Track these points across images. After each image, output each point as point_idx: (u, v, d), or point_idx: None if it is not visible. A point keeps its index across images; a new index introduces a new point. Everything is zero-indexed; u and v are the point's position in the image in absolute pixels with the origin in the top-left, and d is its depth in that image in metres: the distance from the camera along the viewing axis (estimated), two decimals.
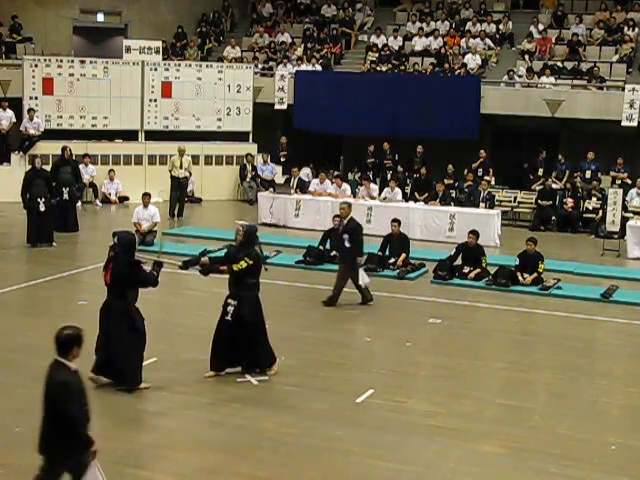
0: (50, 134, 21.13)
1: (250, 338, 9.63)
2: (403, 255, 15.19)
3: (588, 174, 20.54)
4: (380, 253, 15.26)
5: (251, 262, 9.55)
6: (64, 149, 18.45)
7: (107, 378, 9.30)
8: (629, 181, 20.12)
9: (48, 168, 18.11)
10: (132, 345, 9.17)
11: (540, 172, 21.11)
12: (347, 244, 12.77)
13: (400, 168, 21.99)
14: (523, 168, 21.83)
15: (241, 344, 9.61)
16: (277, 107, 23.60)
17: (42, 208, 16.27)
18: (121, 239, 9.31)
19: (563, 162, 20.97)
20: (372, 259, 15.11)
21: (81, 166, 20.92)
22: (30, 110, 20.90)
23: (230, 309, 9.58)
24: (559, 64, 23.34)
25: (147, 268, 9.40)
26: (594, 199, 19.67)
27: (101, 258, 15.01)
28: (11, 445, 7.90)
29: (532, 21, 24.93)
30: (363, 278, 12.79)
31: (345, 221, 12.97)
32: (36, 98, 21.24)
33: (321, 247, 15.67)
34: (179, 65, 22.75)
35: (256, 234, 10.01)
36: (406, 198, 19.87)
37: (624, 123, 20.52)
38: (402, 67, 24.17)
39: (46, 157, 19.80)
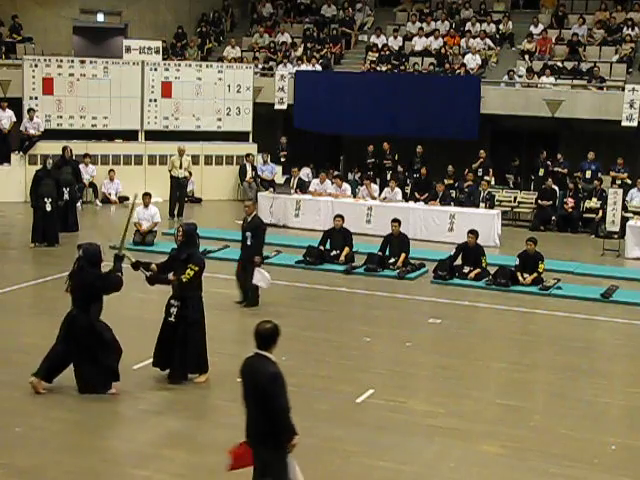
0: (50, 134, 21.13)
1: (188, 336, 9.43)
2: (403, 255, 15.19)
3: (588, 174, 20.54)
4: (380, 253, 15.27)
5: (197, 269, 9.47)
6: (64, 149, 18.50)
7: (49, 383, 9.16)
8: (629, 181, 20.11)
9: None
10: (103, 356, 9.05)
11: (541, 172, 21.12)
12: (249, 242, 12.51)
13: (400, 168, 22.00)
14: (515, 166, 21.83)
15: (179, 343, 9.44)
16: (277, 107, 23.60)
17: (48, 208, 16.27)
18: (86, 251, 9.24)
19: (562, 161, 20.98)
20: (372, 259, 15.15)
21: (81, 166, 20.93)
22: (30, 110, 20.90)
23: (173, 310, 9.47)
24: (559, 64, 23.33)
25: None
26: (594, 199, 19.68)
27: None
28: (11, 445, 7.90)
29: (532, 21, 24.93)
30: (260, 278, 12.37)
31: (249, 218, 12.68)
32: (36, 98, 21.24)
33: (321, 247, 15.67)
34: (179, 65, 22.76)
35: (196, 232, 9.90)
36: (406, 198, 19.87)
37: (624, 123, 20.52)
38: (402, 67, 24.16)
39: (46, 157, 19.81)
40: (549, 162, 21.02)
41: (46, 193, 16.36)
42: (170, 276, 9.49)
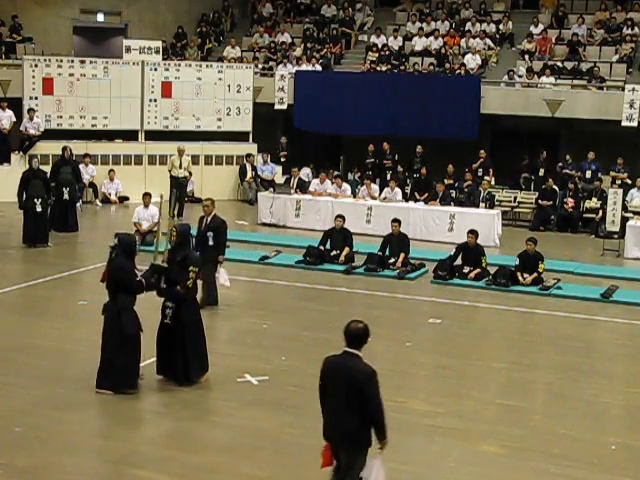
0: (50, 134, 21.12)
1: (186, 338, 9.38)
2: (403, 255, 15.19)
3: (588, 174, 20.54)
4: (380, 253, 15.26)
5: (197, 270, 9.45)
6: (64, 149, 18.50)
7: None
8: (629, 181, 20.11)
9: (48, 168, 18.15)
10: (122, 351, 9.06)
11: (541, 172, 21.11)
12: (211, 242, 12.32)
13: (400, 168, 21.99)
14: (524, 165, 21.78)
15: (178, 345, 9.40)
16: (277, 107, 23.60)
17: (38, 209, 16.23)
18: (121, 240, 9.24)
19: (570, 162, 20.96)
20: (372, 259, 15.14)
21: (81, 166, 20.92)
22: (30, 110, 20.90)
23: (168, 312, 9.39)
24: (559, 64, 23.34)
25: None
26: (594, 199, 19.68)
27: (101, 258, 15.10)
28: (11, 445, 7.90)
29: (532, 21, 24.93)
30: (225, 278, 12.29)
31: (209, 218, 12.46)
32: (36, 98, 21.24)
33: (321, 247, 15.67)
34: (179, 65, 22.75)
35: (190, 232, 9.89)
36: (406, 198, 19.87)
37: (624, 123, 20.52)
38: (402, 67, 24.16)
39: (46, 157, 19.85)
40: (560, 164, 20.90)
41: (35, 194, 16.29)
42: (178, 288, 9.38)
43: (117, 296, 9.11)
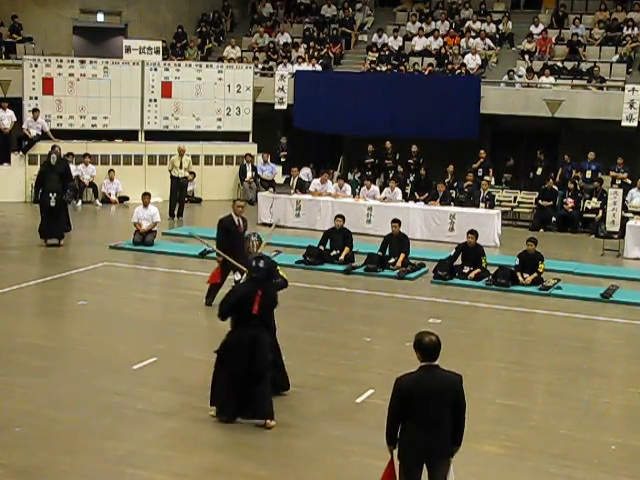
0: (52, 134, 21.11)
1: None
2: (403, 255, 15.19)
3: (588, 174, 20.53)
4: (380, 253, 15.26)
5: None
6: (53, 148, 18.05)
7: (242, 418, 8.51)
8: (629, 181, 20.11)
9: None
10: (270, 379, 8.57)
11: (539, 171, 21.12)
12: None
13: (400, 168, 22.00)
14: (509, 166, 21.82)
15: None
16: (277, 107, 23.60)
17: (53, 203, 16.20)
18: (268, 264, 8.66)
19: (569, 162, 20.96)
20: (372, 259, 15.14)
21: (81, 166, 20.97)
22: (35, 110, 20.88)
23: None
24: (559, 64, 23.34)
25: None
26: (594, 199, 19.67)
27: (101, 258, 15.21)
28: (11, 445, 7.89)
29: (532, 21, 24.94)
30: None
31: (240, 219, 12.51)
32: (36, 98, 21.24)
33: (321, 247, 15.67)
34: (179, 65, 22.76)
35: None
36: (406, 198, 19.88)
37: (624, 123, 20.51)
38: (402, 67, 24.16)
39: (50, 152, 19.79)
40: (572, 167, 20.81)
41: (50, 189, 16.28)
42: None
43: (270, 323, 8.77)
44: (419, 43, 25.10)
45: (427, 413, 6.02)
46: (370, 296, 13.81)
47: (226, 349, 8.45)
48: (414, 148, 21.80)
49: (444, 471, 6.12)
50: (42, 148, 20.62)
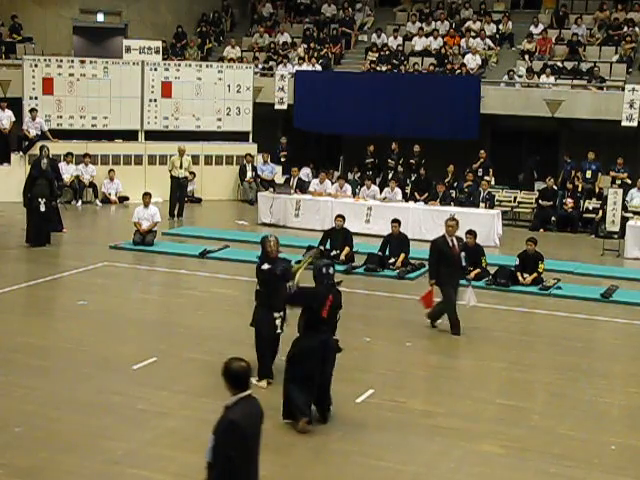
0: (50, 134, 21.10)
1: None
2: (403, 255, 15.18)
3: (588, 174, 20.53)
4: (380, 253, 15.26)
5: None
6: (42, 148, 17.85)
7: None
8: (629, 181, 20.11)
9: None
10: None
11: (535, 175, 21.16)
12: (463, 263, 12.04)
13: (400, 168, 21.99)
14: (537, 160, 21.82)
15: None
16: (277, 107, 23.59)
17: (43, 209, 16.19)
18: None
19: (569, 162, 20.96)
20: (372, 259, 15.14)
21: (81, 166, 20.97)
22: (33, 110, 20.87)
23: (278, 322, 9.48)
24: (559, 64, 23.33)
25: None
26: (594, 199, 19.66)
27: (101, 258, 15.21)
28: (11, 445, 7.89)
29: (532, 21, 24.94)
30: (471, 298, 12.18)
31: (454, 239, 12.03)
32: (36, 98, 21.23)
33: (321, 247, 15.66)
34: (179, 65, 22.75)
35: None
36: (406, 198, 19.87)
37: (624, 123, 20.51)
38: (402, 67, 24.16)
39: (40, 157, 19.75)
40: (571, 167, 20.77)
41: (40, 193, 16.25)
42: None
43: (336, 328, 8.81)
44: (419, 43, 25.10)
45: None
46: (370, 296, 13.81)
47: (298, 355, 8.57)
48: (417, 148, 21.78)
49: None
50: None
